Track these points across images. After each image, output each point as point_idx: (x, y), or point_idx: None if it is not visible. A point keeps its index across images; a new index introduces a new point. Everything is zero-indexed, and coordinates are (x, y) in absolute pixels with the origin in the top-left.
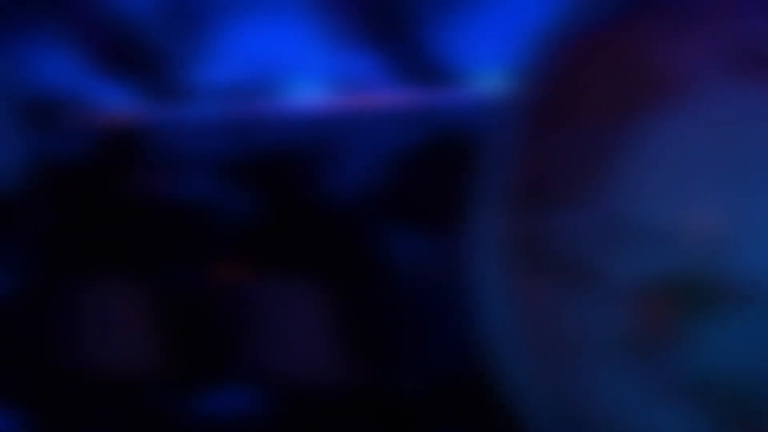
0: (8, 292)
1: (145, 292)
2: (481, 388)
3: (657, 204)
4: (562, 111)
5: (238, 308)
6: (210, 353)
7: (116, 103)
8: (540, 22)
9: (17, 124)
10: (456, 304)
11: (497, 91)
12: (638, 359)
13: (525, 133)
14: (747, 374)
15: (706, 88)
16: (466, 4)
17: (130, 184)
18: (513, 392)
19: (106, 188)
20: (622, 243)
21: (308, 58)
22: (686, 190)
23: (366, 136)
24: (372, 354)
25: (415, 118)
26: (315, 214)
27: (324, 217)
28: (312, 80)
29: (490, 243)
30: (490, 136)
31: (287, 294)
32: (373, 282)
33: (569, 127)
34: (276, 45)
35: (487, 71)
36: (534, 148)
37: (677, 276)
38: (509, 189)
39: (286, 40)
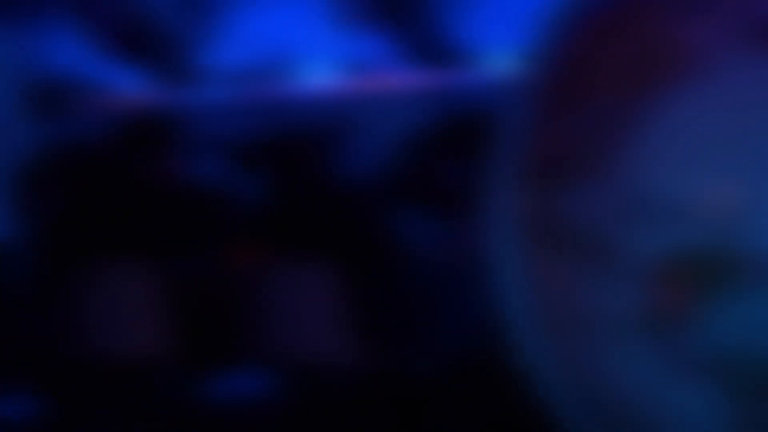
0: (22, 277)
1: (158, 276)
2: (497, 370)
3: (673, 180)
4: (577, 88)
5: (251, 291)
6: (224, 336)
7: (130, 87)
8: (552, 0)
9: (29, 109)
10: (470, 287)
11: (509, 71)
12: (655, 336)
13: (540, 111)
14: (764, 350)
15: (722, 63)
16: None
17: (144, 167)
18: (530, 372)
19: (120, 172)
20: (639, 220)
21: (320, 41)
22: (702, 165)
23: (378, 117)
24: (385, 337)
25: (427, 99)
26: (328, 196)
27: (337, 199)
28: (324, 62)
29: (507, 222)
30: (504, 116)
31: (301, 277)
32: (387, 265)
33: (584, 104)
34: (288, 28)
35: (499, 51)
36: (549, 126)
37: (693, 252)
38: (525, 167)
39: (298, 23)
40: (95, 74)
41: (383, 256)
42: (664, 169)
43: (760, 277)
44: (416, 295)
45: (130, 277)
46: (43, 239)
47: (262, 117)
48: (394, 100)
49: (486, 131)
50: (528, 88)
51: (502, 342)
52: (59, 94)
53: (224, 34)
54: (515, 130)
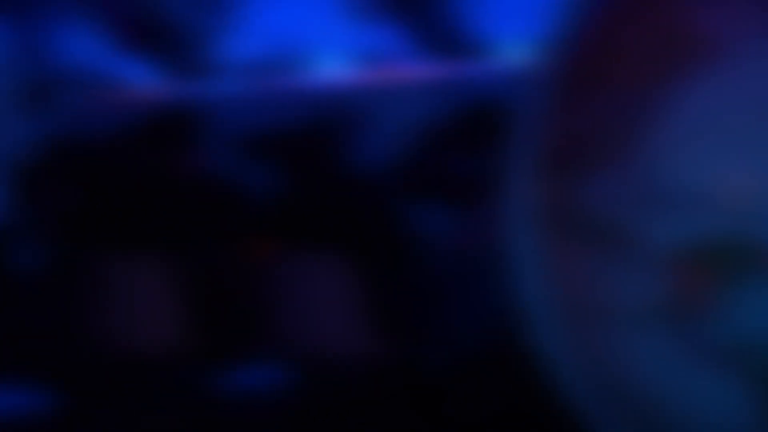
0: (37, 270)
1: (173, 270)
2: (514, 363)
3: (692, 168)
4: (595, 77)
5: (266, 284)
6: (238, 330)
7: (144, 80)
8: None
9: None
10: (485, 278)
11: (523, 61)
12: (674, 326)
13: (557, 100)
14: None
15: (741, 50)
16: None
17: (158, 161)
18: (548, 364)
19: (134, 165)
20: (657, 209)
21: (333, 32)
22: (721, 153)
23: (391, 109)
24: (400, 330)
25: (441, 90)
26: (342, 188)
27: (351, 191)
28: (337, 54)
29: (525, 213)
30: (519, 106)
31: (315, 270)
32: (401, 257)
33: (603, 93)
34: (301, 19)
35: (512, 42)
36: (566, 114)
37: (713, 241)
38: (543, 157)
39: (311, 15)
40: (108, 68)
41: (397, 248)
42: (683, 157)
43: None
44: (431, 287)
45: (145, 270)
46: (59, 232)
47: (276, 109)
48: (407, 91)
49: (500, 122)
50: (544, 77)
51: (519, 334)
52: (74, 87)
53: (238, 26)
54: (532, 120)
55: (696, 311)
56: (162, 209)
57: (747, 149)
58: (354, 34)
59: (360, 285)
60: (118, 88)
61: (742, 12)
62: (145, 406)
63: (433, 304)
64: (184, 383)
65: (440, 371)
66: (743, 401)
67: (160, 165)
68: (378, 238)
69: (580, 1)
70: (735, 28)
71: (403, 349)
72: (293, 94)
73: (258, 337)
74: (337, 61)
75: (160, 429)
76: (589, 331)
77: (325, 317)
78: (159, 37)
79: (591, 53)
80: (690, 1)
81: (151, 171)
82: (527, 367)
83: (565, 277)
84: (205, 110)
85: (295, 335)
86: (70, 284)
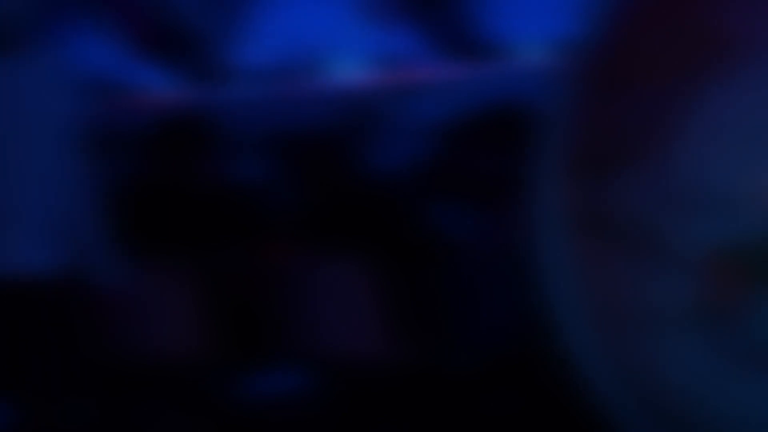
0: (60, 278)
1: (195, 275)
2: (542, 365)
3: (721, 170)
4: (622, 77)
5: (288, 289)
6: (260, 334)
7: (161, 86)
8: None
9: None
10: (510, 280)
11: (542, 62)
12: (706, 328)
13: (584, 101)
14: None
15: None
16: None
17: (177, 166)
18: (577, 366)
19: (152, 171)
20: (688, 210)
21: (350, 35)
22: (750, 154)
23: (410, 111)
24: (423, 332)
25: (460, 92)
26: (362, 190)
27: (372, 194)
28: (355, 57)
29: (553, 214)
30: (542, 107)
31: (337, 273)
32: (423, 259)
33: (630, 94)
34: (318, 22)
35: (531, 42)
36: (595, 117)
37: (744, 243)
38: (571, 159)
39: (327, 18)
40: (126, 74)
41: (419, 250)
42: (712, 158)
43: None
44: (454, 289)
45: (165, 276)
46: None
47: (295, 113)
48: (426, 93)
49: (519, 123)
50: (569, 78)
51: (546, 336)
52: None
53: (254, 30)
54: (559, 121)
55: (727, 313)
56: (184, 215)
57: None
58: (371, 37)
59: (383, 288)
60: (136, 93)
61: (766, 12)
62: (171, 411)
63: (457, 306)
64: (210, 388)
65: (465, 374)
66: None
67: (178, 170)
68: (399, 240)
69: (605, 2)
70: (760, 28)
71: (427, 352)
72: (311, 98)
73: (281, 341)
74: (355, 63)
75: None
76: (618, 333)
77: (347, 321)
78: (176, 42)
79: (617, 53)
80: (715, 2)
81: (168, 176)
82: (556, 369)
83: (594, 279)
84: (223, 115)
85: (319, 339)
86: (95, 292)
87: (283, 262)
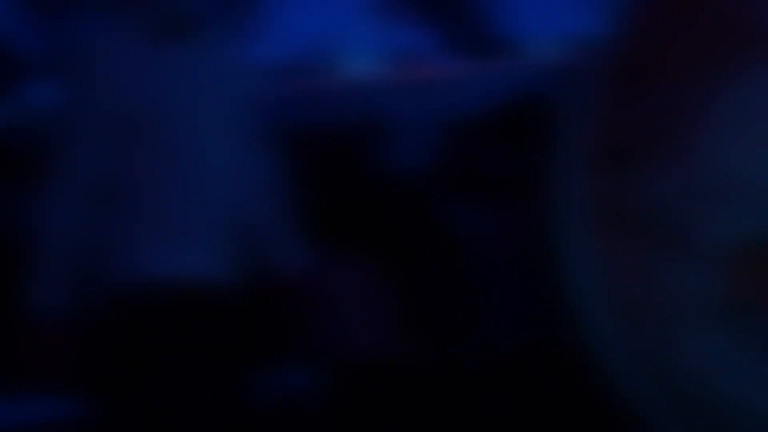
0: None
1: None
2: (562, 363)
3: (746, 162)
4: (645, 72)
5: (298, 287)
6: (272, 332)
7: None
8: None
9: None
10: (522, 278)
11: (558, 58)
12: (732, 319)
13: (607, 96)
14: None
15: None
16: None
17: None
18: (602, 363)
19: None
20: (713, 203)
21: (363, 32)
22: None
23: (424, 108)
24: (434, 332)
25: (474, 89)
26: (373, 188)
27: (383, 191)
28: (368, 53)
29: (576, 209)
30: (561, 103)
31: (350, 271)
32: (434, 257)
33: (654, 88)
34: (330, 20)
35: (546, 39)
36: (618, 111)
37: None
38: (593, 153)
39: (340, 15)
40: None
41: (432, 248)
42: (736, 150)
43: None
44: (466, 288)
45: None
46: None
47: (306, 110)
48: (439, 90)
49: (535, 120)
50: (589, 74)
51: (570, 331)
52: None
53: (267, 27)
54: (580, 116)
55: (754, 305)
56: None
57: None
58: (385, 33)
59: (394, 287)
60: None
61: None
62: (181, 410)
63: (469, 306)
64: (220, 385)
65: (477, 373)
66: None
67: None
68: (411, 238)
69: None
70: None
71: (438, 352)
72: (323, 95)
73: (293, 340)
74: (368, 60)
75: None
76: (645, 328)
77: (358, 320)
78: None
79: (638, 48)
80: None
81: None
82: (579, 367)
83: (620, 274)
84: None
85: (328, 338)
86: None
87: (294, 261)
